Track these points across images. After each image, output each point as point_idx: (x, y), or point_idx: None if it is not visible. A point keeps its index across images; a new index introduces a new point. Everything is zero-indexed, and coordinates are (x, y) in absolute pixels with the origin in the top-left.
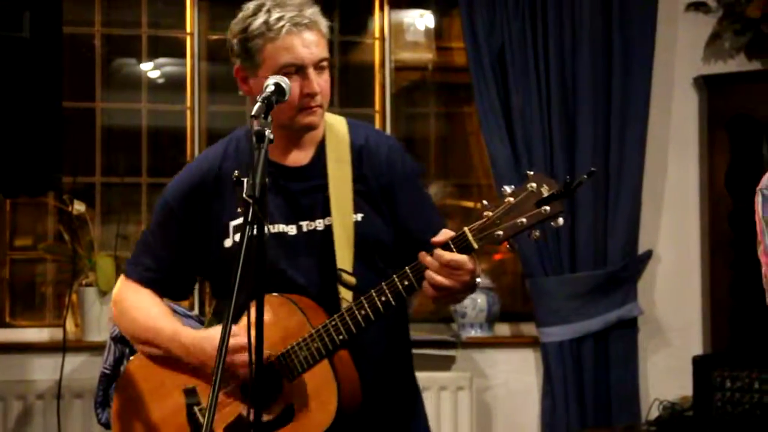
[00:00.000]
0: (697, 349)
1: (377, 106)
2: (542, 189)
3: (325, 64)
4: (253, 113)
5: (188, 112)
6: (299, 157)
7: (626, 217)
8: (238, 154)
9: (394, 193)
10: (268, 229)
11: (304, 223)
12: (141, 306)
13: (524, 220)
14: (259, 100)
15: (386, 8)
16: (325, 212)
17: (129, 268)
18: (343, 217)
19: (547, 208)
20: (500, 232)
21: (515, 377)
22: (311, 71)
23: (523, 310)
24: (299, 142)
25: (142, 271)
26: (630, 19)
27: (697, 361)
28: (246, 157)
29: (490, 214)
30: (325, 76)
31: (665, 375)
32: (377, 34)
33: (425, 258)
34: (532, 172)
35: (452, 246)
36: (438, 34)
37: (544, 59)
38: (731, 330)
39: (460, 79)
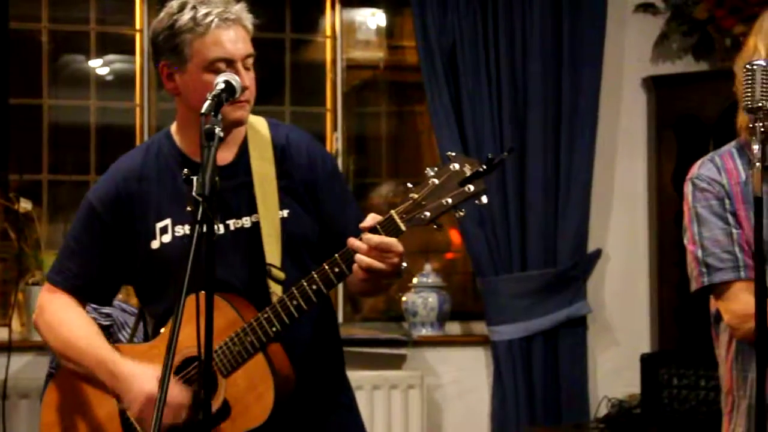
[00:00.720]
0: (645, 347)
1: (328, 105)
2: (464, 168)
3: (251, 60)
4: (203, 111)
5: (137, 110)
6: (223, 156)
7: (576, 216)
8: (159, 156)
9: (317, 190)
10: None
11: (231, 222)
12: (66, 320)
13: (449, 199)
14: (209, 97)
15: (338, 7)
16: (251, 210)
17: (53, 275)
18: (269, 214)
19: (471, 186)
20: (426, 213)
21: (466, 376)
22: (240, 66)
23: (473, 308)
24: (222, 141)
25: (67, 278)
26: (580, 20)
27: (644, 359)
28: (166, 159)
29: (416, 196)
30: (251, 73)
31: (614, 373)
32: (328, 32)
33: (354, 242)
34: (453, 153)
35: (380, 229)
36: (389, 33)
37: (495, 59)
38: (678, 328)
39: (412, 77)
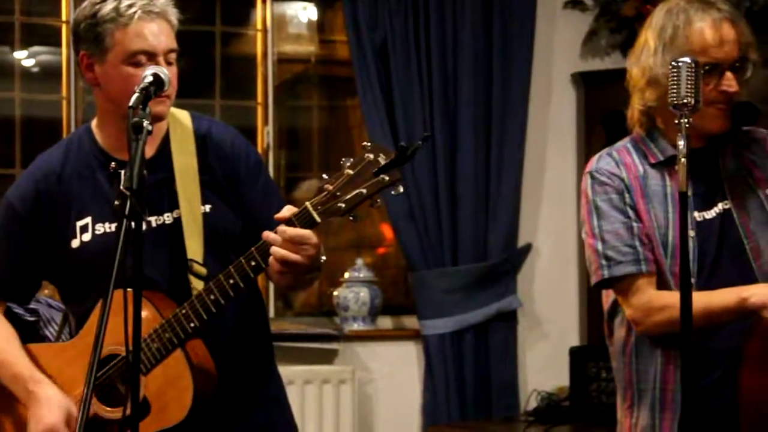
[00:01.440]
0: (574, 340)
1: (259, 99)
2: (379, 158)
3: (174, 55)
4: (130, 104)
5: (64, 102)
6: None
7: (506, 211)
8: (79, 153)
9: (240, 184)
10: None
11: (152, 219)
12: None
13: (364, 190)
14: (137, 90)
15: (269, 0)
16: (173, 205)
17: None
18: (191, 209)
19: (386, 176)
20: (342, 204)
21: (397, 370)
22: (162, 60)
23: (405, 303)
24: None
25: None
26: (510, 16)
27: (573, 353)
28: (87, 156)
29: (331, 187)
30: (174, 69)
31: (543, 366)
32: (259, 25)
33: (269, 235)
34: (368, 143)
35: (295, 221)
36: (321, 27)
37: (426, 54)
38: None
39: (343, 72)
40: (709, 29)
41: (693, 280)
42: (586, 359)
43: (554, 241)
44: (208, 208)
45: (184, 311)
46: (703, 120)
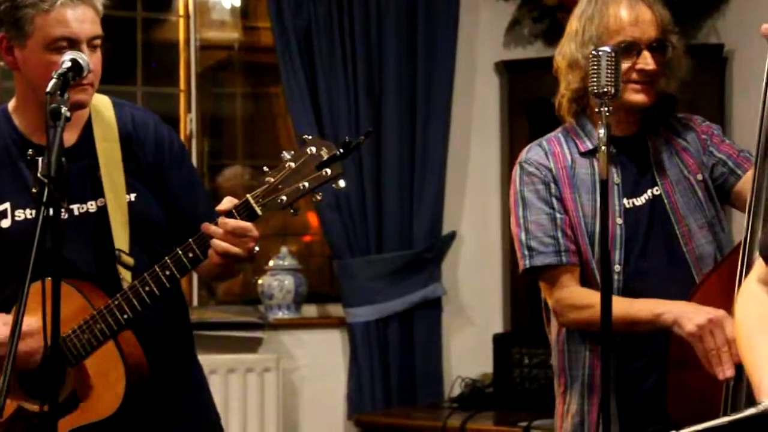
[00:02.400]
0: (498, 327)
1: (182, 86)
2: (321, 152)
3: (98, 42)
4: (48, 90)
5: None
6: (66, 137)
7: (431, 198)
8: None
9: (164, 172)
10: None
11: (75, 207)
12: None
13: (306, 183)
14: (55, 76)
15: None
16: (97, 193)
17: None
18: (116, 198)
19: (328, 170)
20: (283, 197)
21: (322, 358)
22: (85, 47)
23: (330, 291)
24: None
25: None
26: (434, 5)
27: (497, 339)
28: (5, 140)
29: (272, 179)
30: (98, 55)
31: (467, 353)
32: (182, 11)
33: (209, 227)
34: (309, 137)
35: (236, 213)
36: (244, 14)
37: (350, 42)
38: (530, 308)
39: (267, 59)
40: (625, 9)
41: (619, 268)
42: (510, 345)
43: (478, 228)
44: (133, 196)
45: (117, 302)
46: (625, 95)
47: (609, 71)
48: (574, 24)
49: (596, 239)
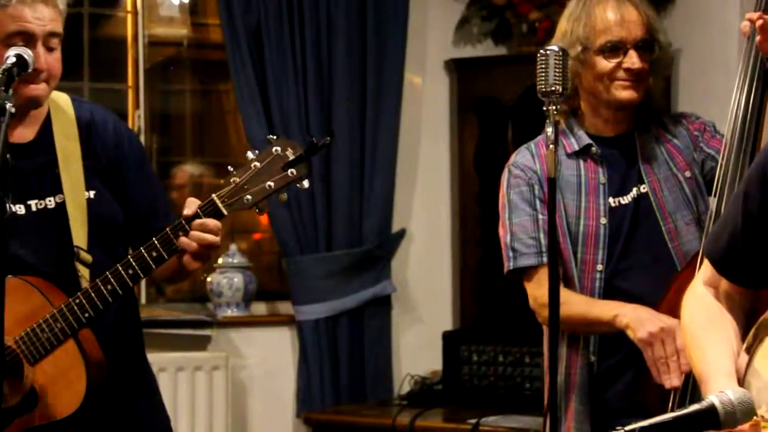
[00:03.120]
0: (447, 324)
1: (130, 82)
2: (287, 152)
3: (56, 40)
4: None
5: None
6: (24, 134)
7: (381, 196)
8: None
9: (123, 170)
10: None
11: (32, 202)
12: None
13: (272, 183)
14: None
15: None
16: (56, 190)
17: None
18: (75, 195)
19: (294, 171)
20: (249, 197)
21: (271, 356)
22: (39, 45)
23: (279, 289)
24: (22, 118)
25: None
26: (383, 3)
27: (446, 337)
28: None
29: (238, 179)
30: (56, 54)
31: (417, 350)
32: (129, 7)
33: (184, 240)
34: (274, 137)
35: (201, 213)
36: (193, 11)
37: (300, 39)
38: (479, 306)
39: (217, 56)
40: (611, 10)
41: (602, 267)
42: (459, 343)
43: (428, 226)
44: (92, 194)
45: (78, 301)
46: (612, 92)
47: (557, 70)
48: (563, 25)
49: (580, 239)
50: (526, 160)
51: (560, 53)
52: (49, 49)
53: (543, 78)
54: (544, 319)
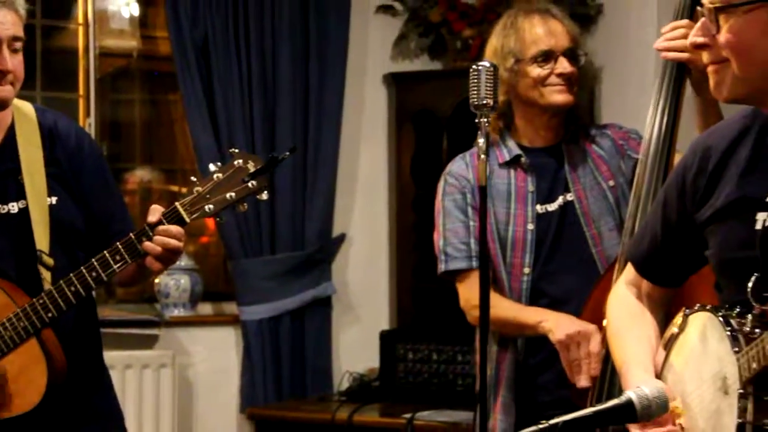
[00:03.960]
0: (385, 324)
1: (81, 91)
2: (248, 165)
3: (19, 44)
4: None
5: None
6: None
7: (322, 202)
8: None
9: (84, 178)
10: None
11: None
12: None
13: (233, 194)
14: None
15: None
16: (19, 195)
17: None
18: (38, 200)
19: (254, 182)
20: (211, 206)
21: (217, 354)
22: (5, 48)
23: (225, 290)
24: None
25: None
26: (326, 19)
27: (383, 336)
28: None
29: (200, 189)
30: (19, 57)
31: (355, 349)
32: (81, 20)
33: (149, 245)
34: (236, 150)
35: (164, 220)
36: (143, 23)
37: (246, 52)
38: (414, 307)
39: (165, 67)
40: (538, 23)
41: (528, 270)
42: (395, 341)
43: (367, 231)
44: (54, 200)
45: (41, 301)
46: (547, 97)
47: (488, 84)
48: (494, 41)
49: (509, 243)
50: (460, 170)
51: (491, 69)
52: (14, 52)
53: (475, 92)
54: (474, 318)
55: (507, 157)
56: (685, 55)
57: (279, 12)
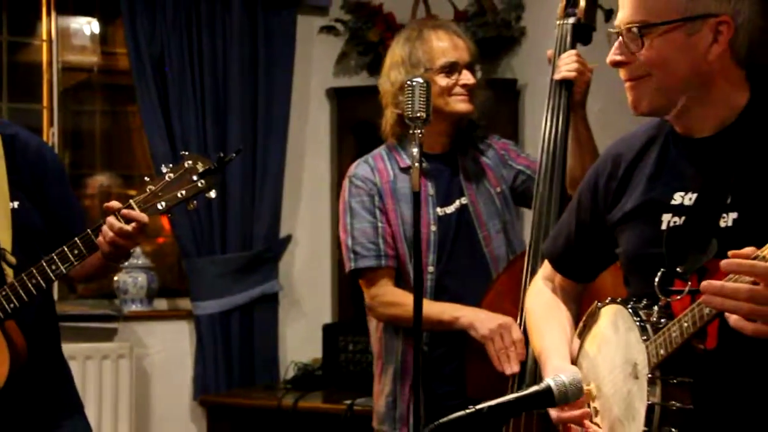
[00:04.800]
0: (327, 318)
1: (45, 103)
2: (197, 165)
3: None
4: None
5: None
6: None
7: (270, 205)
8: None
9: (45, 185)
10: None
11: None
12: None
13: (183, 192)
14: None
15: (53, 13)
16: None
17: None
18: (2, 205)
19: (203, 181)
20: (162, 203)
21: (171, 346)
22: None
23: (179, 286)
24: None
25: None
26: (273, 37)
27: (326, 329)
28: None
29: (153, 187)
30: None
31: (300, 341)
32: (45, 36)
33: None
34: (186, 153)
35: (118, 216)
36: (103, 40)
37: (199, 67)
38: (354, 302)
39: (124, 80)
40: (444, 37)
41: (432, 268)
42: (337, 334)
43: (311, 232)
44: (16, 204)
45: (4, 293)
46: (453, 105)
47: (421, 99)
48: (399, 52)
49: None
50: (365, 173)
51: (424, 84)
52: None
53: (409, 106)
54: (380, 315)
55: (408, 162)
56: (573, 74)
57: (230, 30)
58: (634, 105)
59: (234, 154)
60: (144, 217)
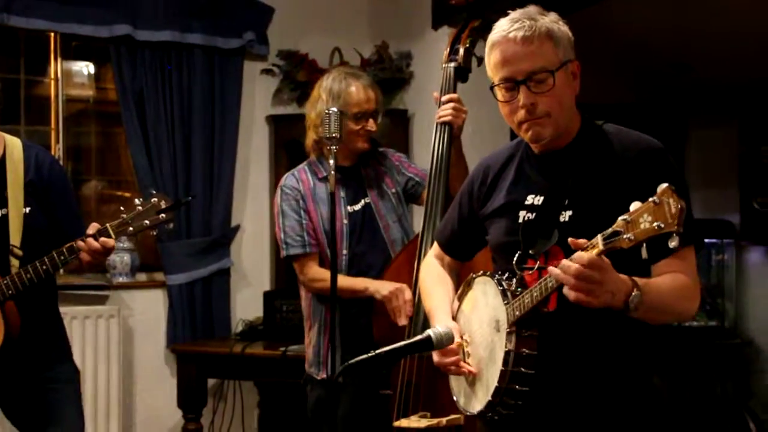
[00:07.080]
0: (267, 287)
1: (53, 125)
2: (161, 203)
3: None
4: None
5: None
6: None
7: (224, 202)
8: None
9: (53, 195)
10: None
11: None
12: None
13: (148, 222)
14: None
15: (59, 58)
16: (2, 205)
17: None
18: (17, 209)
19: (164, 215)
20: (131, 228)
21: (150, 309)
22: None
23: (155, 263)
24: None
25: None
26: (227, 77)
27: (266, 295)
28: None
29: (125, 216)
30: None
31: (247, 304)
32: (53, 76)
33: (79, 243)
34: (154, 191)
35: (97, 235)
36: (97, 78)
37: (170, 101)
38: (287, 274)
39: (114, 109)
40: (360, 89)
41: (346, 252)
42: (275, 299)
43: (254, 223)
44: (28, 209)
45: (5, 282)
46: (355, 144)
47: (335, 124)
48: (323, 94)
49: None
50: (292, 183)
51: (338, 113)
52: None
53: (327, 128)
54: (309, 288)
55: (324, 173)
56: (449, 118)
57: (193, 71)
58: (537, 137)
59: (189, 198)
60: (112, 242)
